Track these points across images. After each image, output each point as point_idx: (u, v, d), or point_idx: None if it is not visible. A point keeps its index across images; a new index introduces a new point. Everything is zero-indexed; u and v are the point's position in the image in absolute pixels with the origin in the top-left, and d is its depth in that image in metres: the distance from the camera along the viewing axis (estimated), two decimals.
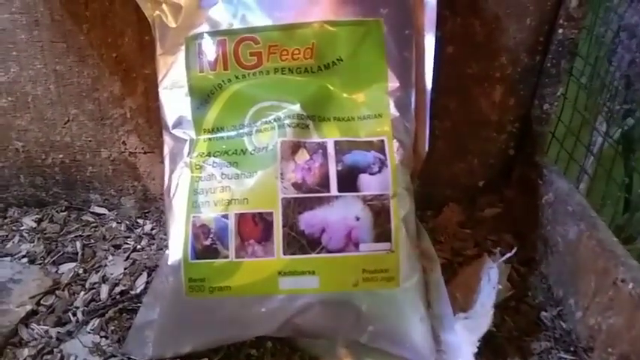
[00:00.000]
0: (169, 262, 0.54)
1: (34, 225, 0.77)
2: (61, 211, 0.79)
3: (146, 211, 0.80)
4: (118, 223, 0.78)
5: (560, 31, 0.71)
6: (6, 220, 0.78)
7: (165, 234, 0.72)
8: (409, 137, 0.59)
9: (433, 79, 0.61)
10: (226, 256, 0.53)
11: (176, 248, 0.54)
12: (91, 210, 0.80)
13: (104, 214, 0.80)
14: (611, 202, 0.65)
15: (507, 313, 0.66)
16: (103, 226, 0.77)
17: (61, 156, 0.77)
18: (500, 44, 0.72)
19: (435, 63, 0.61)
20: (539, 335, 0.64)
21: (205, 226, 0.54)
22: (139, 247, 0.73)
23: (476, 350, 0.56)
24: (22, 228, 0.76)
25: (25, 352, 0.58)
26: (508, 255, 0.63)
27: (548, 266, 0.71)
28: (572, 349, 0.62)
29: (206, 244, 0.54)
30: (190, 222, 0.54)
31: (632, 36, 0.59)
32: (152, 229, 0.77)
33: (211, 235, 0.54)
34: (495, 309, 0.60)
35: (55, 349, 0.58)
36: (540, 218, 0.74)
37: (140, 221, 0.79)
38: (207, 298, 0.54)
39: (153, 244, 0.73)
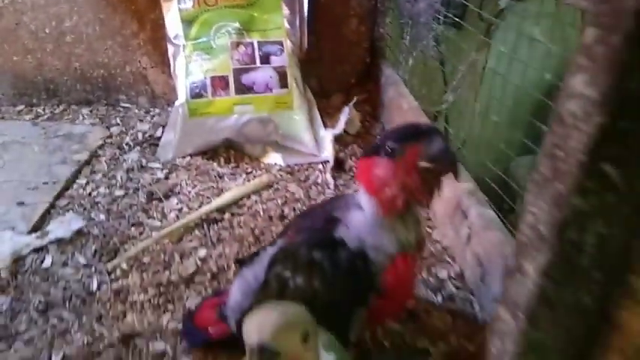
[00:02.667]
0: (180, 102, 1.10)
1: (89, 113, 1.30)
2: (103, 106, 1.33)
3: (154, 104, 1.34)
4: (138, 110, 1.32)
5: None
6: (70, 111, 1.30)
7: (166, 114, 1.28)
8: (296, 39, 1.17)
9: (308, 11, 1.18)
10: (207, 97, 1.09)
11: (182, 96, 1.10)
12: (121, 105, 1.34)
13: (129, 107, 1.34)
14: (429, 81, 1.21)
15: (356, 141, 1.23)
16: (129, 112, 1.31)
17: (102, 71, 1.30)
18: None
19: (311, 6, 1.18)
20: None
21: (195, 83, 1.10)
22: (154, 119, 1.28)
23: (332, 140, 1.14)
24: (82, 113, 1.29)
25: (103, 159, 1.12)
26: (353, 102, 1.22)
27: (383, 115, 1.30)
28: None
29: (196, 92, 1.10)
30: (188, 82, 1.10)
31: None
32: (159, 113, 1.32)
33: (198, 87, 1.10)
34: (350, 136, 1.18)
35: (120, 158, 1.12)
36: (381, 92, 1.33)
37: (151, 110, 1.33)
38: (199, 118, 1.10)
39: (162, 115, 1.28)
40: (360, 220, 0.57)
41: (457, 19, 1.00)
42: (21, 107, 1.31)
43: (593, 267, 0.48)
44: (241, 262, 0.68)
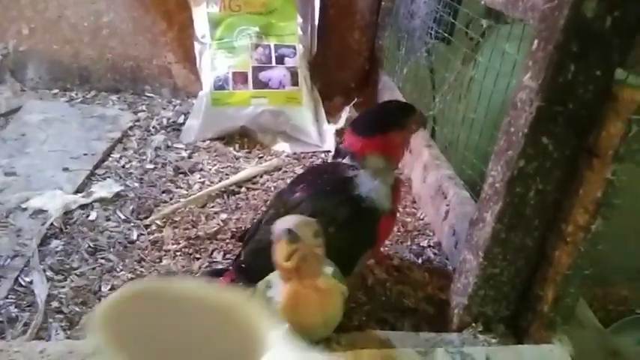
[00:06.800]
0: (205, 93, 1.26)
1: (117, 99, 1.45)
2: (130, 94, 1.48)
3: (175, 95, 1.50)
4: (161, 100, 1.48)
5: (383, 3, 1.48)
6: (100, 97, 1.46)
7: (187, 105, 1.44)
8: (307, 44, 1.34)
9: (319, 22, 1.36)
10: (228, 89, 1.26)
11: (206, 87, 1.26)
12: (146, 94, 1.49)
13: (153, 96, 1.49)
14: (420, 88, 1.39)
15: None
16: (154, 101, 1.47)
17: (131, 63, 1.46)
18: (357, 8, 1.48)
19: (321, 17, 1.36)
20: None
21: (218, 77, 1.26)
22: (176, 108, 1.44)
23: (334, 134, 1.31)
24: (112, 100, 1.45)
25: (133, 138, 1.27)
26: (353, 102, 1.39)
27: None
28: None
29: (219, 84, 1.26)
30: (212, 75, 1.26)
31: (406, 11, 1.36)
32: (180, 103, 1.47)
33: (221, 81, 1.26)
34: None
35: (148, 138, 1.28)
36: (378, 96, 1.50)
37: (173, 100, 1.49)
38: (220, 107, 1.26)
39: (183, 105, 1.44)
40: (368, 179, 0.73)
41: (447, 35, 1.18)
42: (56, 91, 1.46)
43: (534, 216, 0.65)
44: (241, 238, 0.86)
